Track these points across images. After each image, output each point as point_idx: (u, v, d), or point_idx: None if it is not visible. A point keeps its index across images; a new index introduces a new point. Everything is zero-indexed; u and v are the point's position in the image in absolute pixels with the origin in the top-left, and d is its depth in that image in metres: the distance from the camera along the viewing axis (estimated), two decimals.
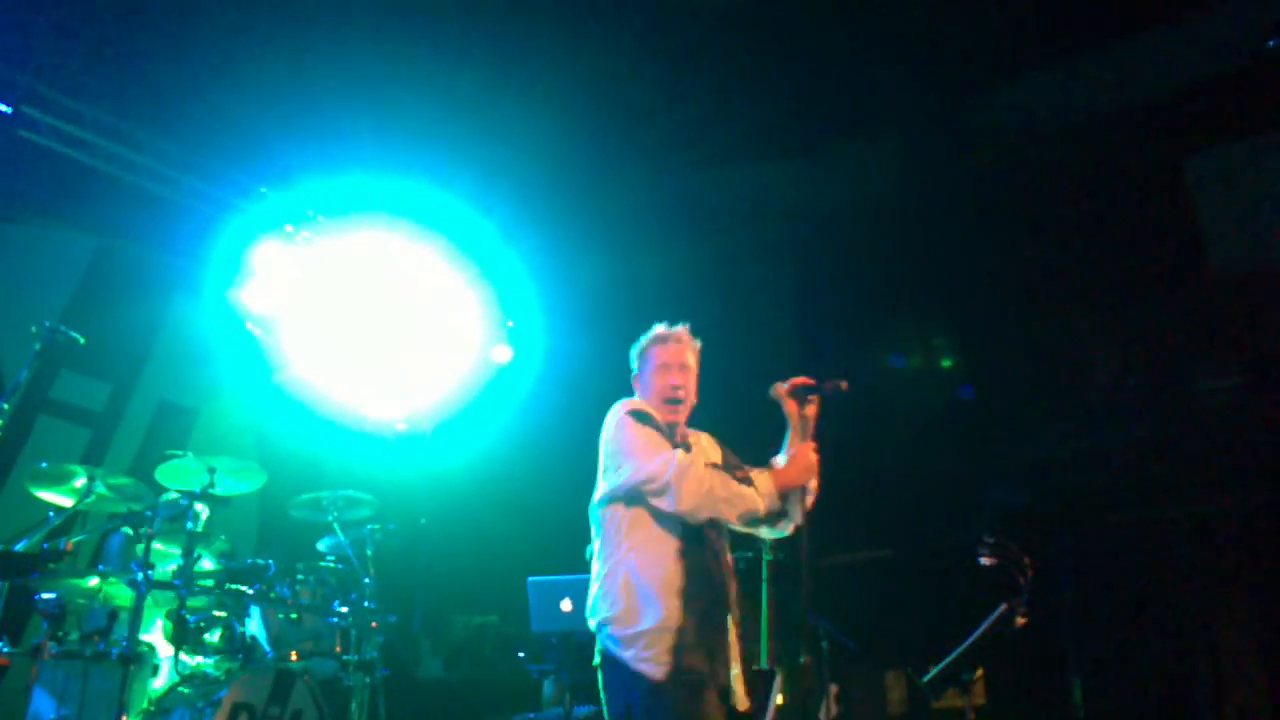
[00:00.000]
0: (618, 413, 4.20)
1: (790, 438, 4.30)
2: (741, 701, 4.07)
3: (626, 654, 3.90)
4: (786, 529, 4.30)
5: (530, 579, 6.02)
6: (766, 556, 6.14)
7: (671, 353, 4.36)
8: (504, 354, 9.07)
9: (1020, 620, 4.79)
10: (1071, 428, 8.39)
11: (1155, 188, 8.12)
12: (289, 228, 8.22)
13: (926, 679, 4.89)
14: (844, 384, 4.23)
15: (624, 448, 4.10)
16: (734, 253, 9.40)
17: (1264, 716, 7.27)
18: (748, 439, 4.47)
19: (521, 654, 6.93)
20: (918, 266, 8.97)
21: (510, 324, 9.13)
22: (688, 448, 4.25)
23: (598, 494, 4.22)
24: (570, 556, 6.47)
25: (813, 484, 4.26)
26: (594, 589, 4.12)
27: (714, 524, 4.12)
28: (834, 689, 6.15)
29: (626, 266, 8.90)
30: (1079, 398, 8.46)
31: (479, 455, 8.81)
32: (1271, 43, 6.97)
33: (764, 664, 5.83)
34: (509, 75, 7.54)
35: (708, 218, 9.22)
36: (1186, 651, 7.59)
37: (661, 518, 4.02)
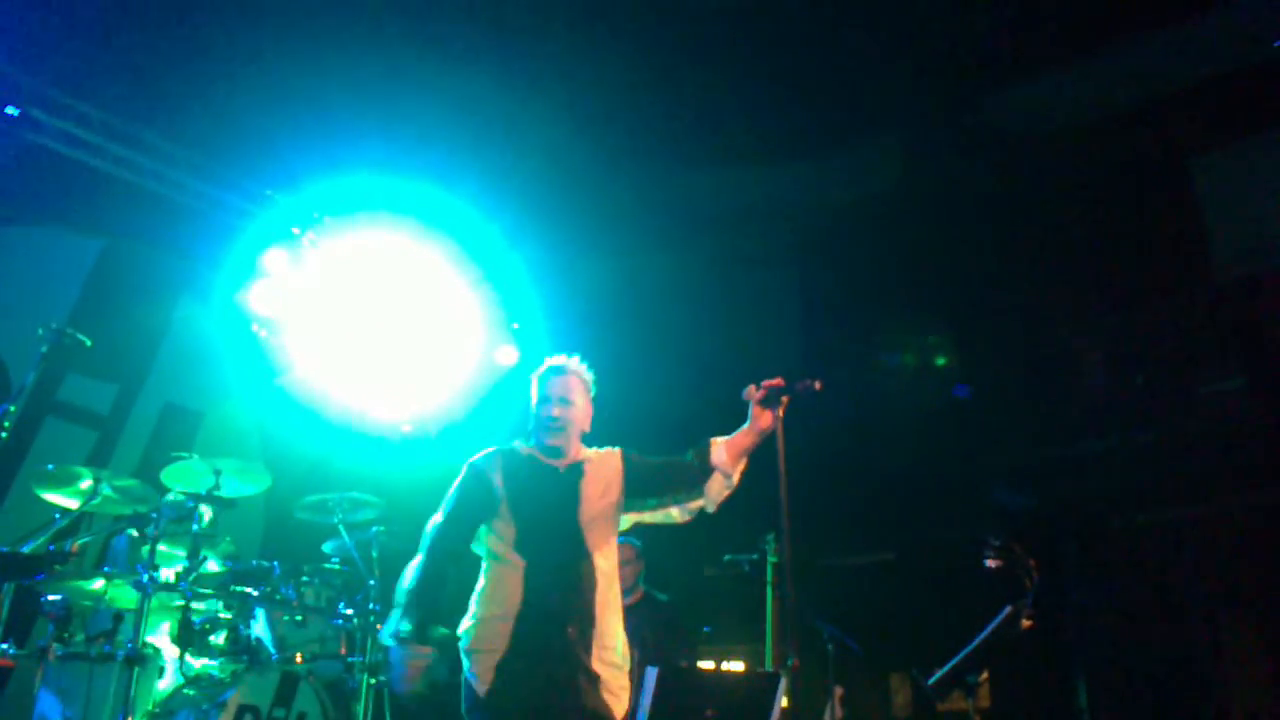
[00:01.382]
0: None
1: (745, 435, 4.39)
2: None
3: (465, 666, 4.18)
4: (696, 513, 4.51)
5: None
6: (772, 559, 6.15)
7: (554, 386, 4.53)
8: (509, 356, 9.07)
9: (1026, 623, 4.79)
10: (1076, 430, 8.39)
11: (1160, 188, 8.12)
12: (295, 230, 8.22)
13: (932, 681, 4.90)
14: (817, 384, 4.26)
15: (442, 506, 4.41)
16: (738, 253, 9.40)
17: (1271, 719, 7.26)
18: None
19: None
20: (922, 267, 8.98)
21: (515, 326, 9.13)
22: (574, 470, 4.42)
23: None
24: None
25: (736, 479, 4.43)
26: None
27: (565, 543, 4.29)
28: (839, 691, 6.14)
29: (631, 268, 8.90)
30: (1084, 400, 8.45)
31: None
32: (1278, 42, 6.97)
33: (768, 666, 5.84)
34: (514, 78, 7.54)
35: (711, 219, 9.22)
36: (1192, 654, 7.58)
37: (496, 544, 4.32)
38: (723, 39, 7.46)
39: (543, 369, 4.61)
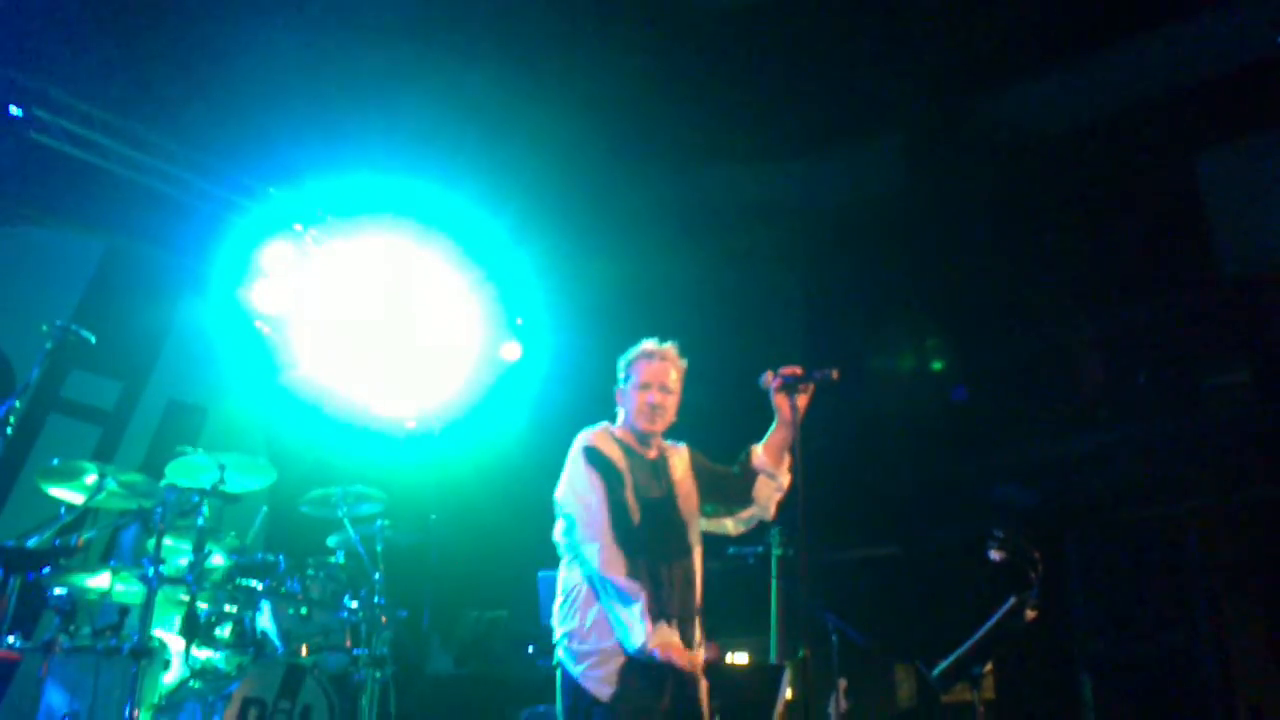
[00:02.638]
0: (577, 445, 4.30)
1: (776, 429, 4.38)
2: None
3: (576, 669, 4.01)
4: (752, 523, 4.47)
5: (540, 573, 6.03)
6: (776, 552, 6.14)
7: (655, 371, 4.40)
8: (513, 351, 9.09)
9: (1030, 614, 4.79)
10: (1080, 425, 8.39)
11: (1165, 186, 8.11)
12: (298, 227, 8.24)
13: (936, 673, 4.89)
14: (835, 373, 4.24)
15: (574, 490, 4.21)
16: (741, 252, 9.40)
17: (1276, 715, 7.25)
18: (756, 437, 4.49)
19: (531, 648, 6.94)
20: (926, 266, 8.98)
21: (519, 321, 9.15)
22: (663, 461, 4.36)
23: (558, 507, 4.32)
24: None
25: (785, 479, 4.37)
26: (557, 602, 4.23)
27: (677, 538, 4.23)
28: (843, 683, 6.13)
29: (634, 265, 8.91)
30: (1088, 395, 8.45)
31: (488, 452, 8.82)
32: None
33: (773, 659, 5.84)
34: (518, 75, 7.55)
35: (715, 217, 9.22)
36: (1196, 649, 7.57)
37: (618, 540, 4.09)
38: (729, 39, 7.47)
39: (640, 353, 4.47)
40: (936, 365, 9.25)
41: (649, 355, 4.44)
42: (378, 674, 6.39)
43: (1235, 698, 7.42)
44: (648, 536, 4.12)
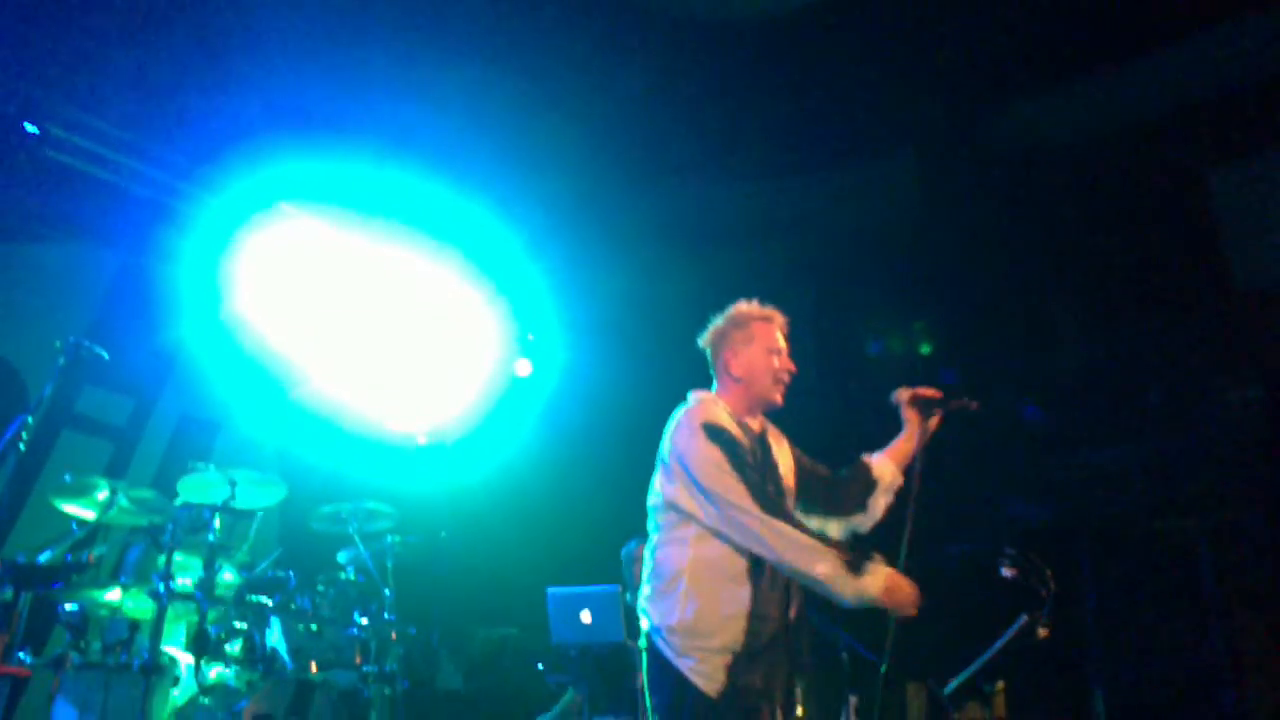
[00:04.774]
0: (692, 422, 3.89)
1: (901, 446, 4.25)
2: None
3: (681, 662, 3.72)
4: (852, 531, 4.24)
5: (550, 590, 6.02)
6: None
7: (780, 335, 4.10)
8: (525, 367, 9.10)
9: (1042, 632, 4.77)
10: (1093, 439, 8.36)
11: (1177, 201, 8.08)
12: (312, 243, 8.26)
13: (948, 691, 4.88)
14: (974, 404, 4.16)
15: (711, 485, 3.77)
16: (754, 268, 9.40)
17: None
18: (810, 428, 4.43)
19: (541, 666, 6.93)
20: (938, 282, 8.96)
21: (531, 337, 9.15)
22: (765, 436, 4.05)
23: (660, 496, 3.94)
24: (590, 568, 6.49)
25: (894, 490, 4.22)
26: (649, 587, 3.91)
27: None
28: (854, 701, 6.12)
29: (646, 280, 8.92)
30: (1100, 410, 8.42)
31: (499, 468, 8.82)
32: None
33: None
34: (533, 92, 7.57)
35: (728, 233, 9.22)
36: (1212, 664, 7.52)
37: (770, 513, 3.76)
38: (741, 56, 7.48)
39: (754, 314, 4.13)
40: (946, 379, 9.22)
41: (767, 318, 4.13)
42: (387, 691, 6.39)
43: (1251, 715, 7.37)
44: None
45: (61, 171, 7.27)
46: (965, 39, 7.35)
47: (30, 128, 7.01)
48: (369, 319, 8.34)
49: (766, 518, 3.67)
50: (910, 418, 4.22)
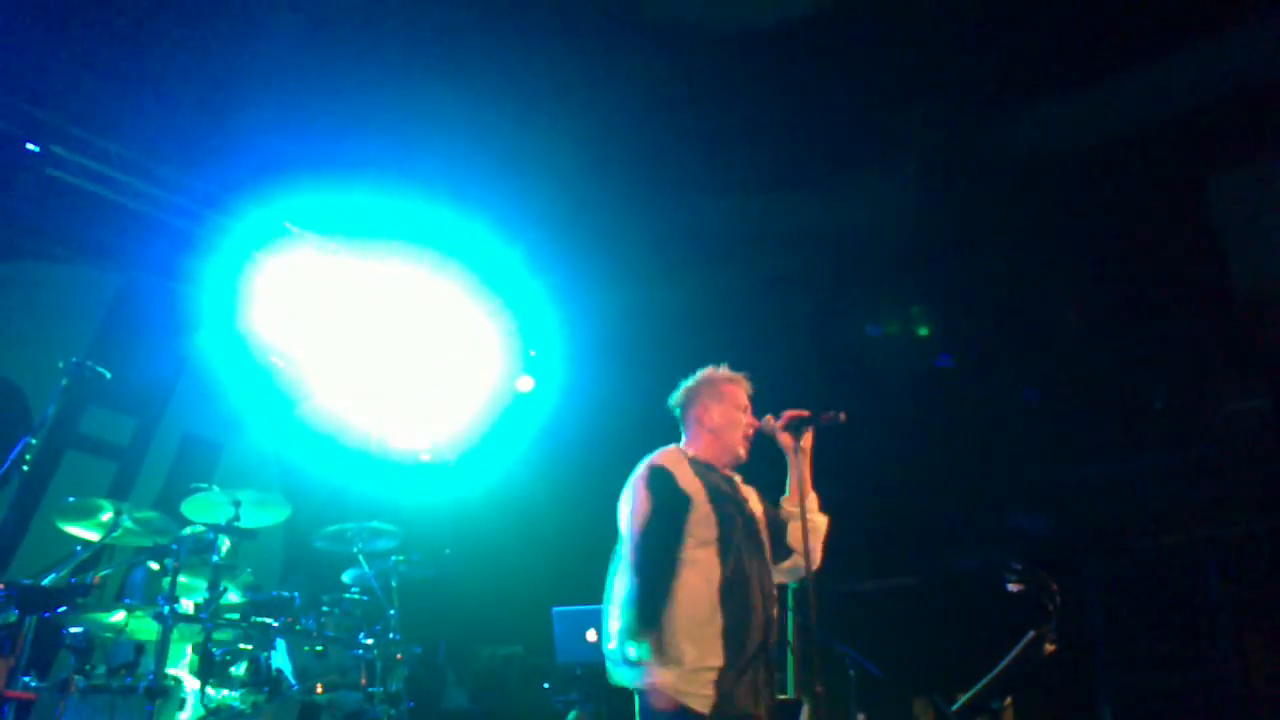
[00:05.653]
0: (644, 468, 4.21)
1: (790, 473, 4.37)
2: None
3: (671, 689, 3.90)
4: (796, 574, 4.41)
5: (555, 609, 6.01)
6: (791, 585, 6.12)
7: (745, 394, 4.41)
8: (526, 383, 9.09)
9: (1049, 647, 4.77)
10: (1098, 451, 8.34)
11: (1180, 209, 8.08)
12: (312, 261, 8.27)
13: (955, 707, 4.86)
14: (842, 415, 4.26)
15: (634, 519, 4.12)
16: (754, 282, 9.40)
17: None
18: (771, 463, 4.47)
19: (547, 685, 6.91)
20: (938, 292, 8.96)
21: (533, 353, 9.15)
22: (737, 489, 4.30)
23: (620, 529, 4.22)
24: (595, 586, 6.46)
25: (819, 519, 4.34)
26: (626, 618, 4.07)
27: (758, 558, 4.18)
28: (861, 718, 6.10)
29: (647, 295, 8.92)
30: (1105, 422, 8.41)
31: (502, 484, 8.82)
32: None
33: (790, 693, 5.80)
34: (533, 108, 7.58)
35: (728, 247, 9.22)
36: (1218, 677, 7.50)
37: (699, 559, 4.05)
38: (741, 68, 7.49)
39: (724, 376, 4.46)
40: (950, 389, 9.21)
41: (734, 379, 4.44)
42: (393, 711, 6.36)
43: None
44: (728, 549, 4.07)
45: (63, 190, 7.29)
46: (965, 47, 7.36)
47: (31, 146, 7.02)
48: (372, 336, 8.34)
49: (643, 564, 3.98)
50: (785, 442, 4.35)
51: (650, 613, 3.94)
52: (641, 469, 4.22)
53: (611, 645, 4.05)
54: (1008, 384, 8.84)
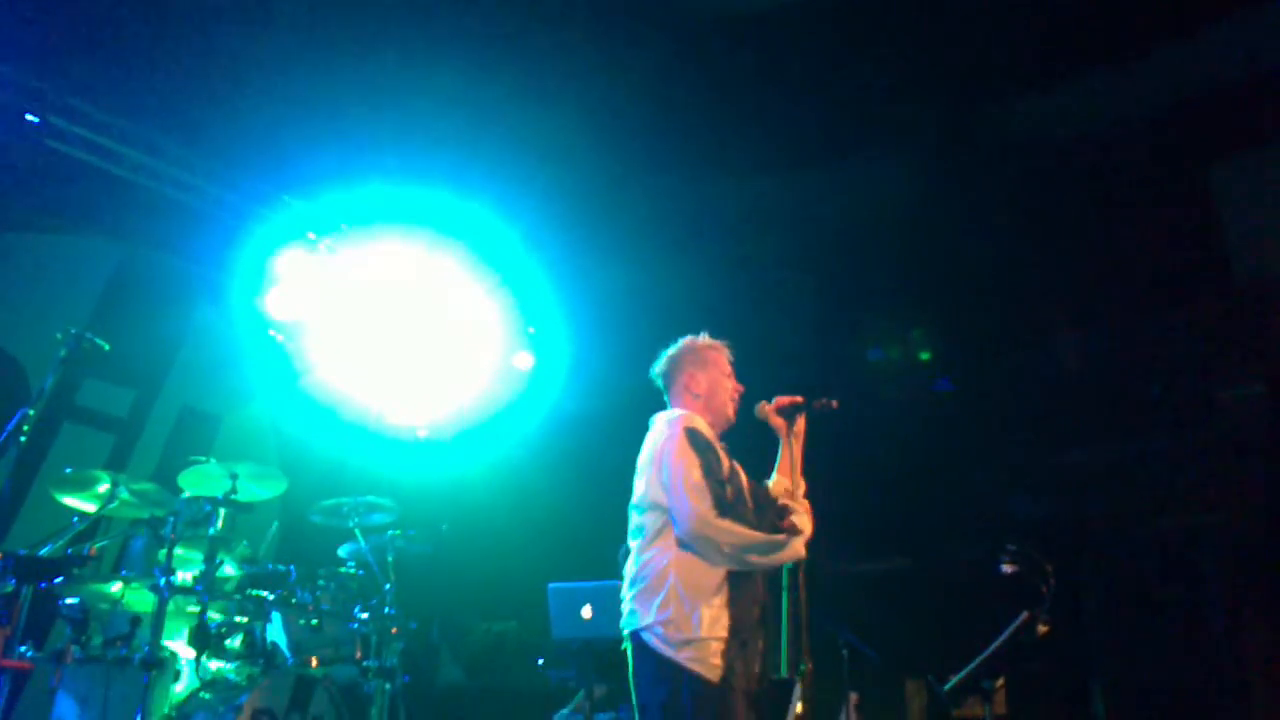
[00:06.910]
0: (674, 429, 4.20)
1: (782, 455, 4.43)
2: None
3: (679, 655, 3.96)
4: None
5: (551, 585, 6.01)
6: (786, 565, 6.13)
7: (728, 360, 4.49)
8: (526, 360, 9.09)
9: (1042, 629, 4.77)
10: (1094, 435, 8.35)
11: (1179, 197, 8.07)
12: (312, 235, 8.26)
13: (948, 688, 4.88)
14: (834, 402, 4.32)
15: (677, 482, 4.07)
16: (755, 262, 9.39)
17: None
18: (768, 444, 4.48)
19: (541, 661, 6.93)
20: (939, 278, 8.95)
21: (532, 330, 9.15)
22: (735, 472, 4.30)
23: (645, 497, 4.19)
24: (591, 563, 6.47)
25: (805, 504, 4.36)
26: (637, 587, 4.13)
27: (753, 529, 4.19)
28: (854, 698, 6.12)
29: (647, 274, 8.91)
30: (1102, 407, 8.41)
31: (500, 461, 8.83)
32: None
33: (783, 673, 5.81)
34: (533, 85, 7.56)
35: (729, 227, 9.21)
36: (1211, 661, 7.52)
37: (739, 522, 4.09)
38: (742, 50, 7.47)
39: (708, 344, 4.51)
40: (947, 373, 9.22)
41: (715, 346, 4.51)
42: (388, 686, 6.39)
43: (1252, 710, 7.37)
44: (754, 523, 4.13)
45: (63, 162, 7.27)
46: (966, 34, 7.34)
47: (31, 117, 7.00)
48: (372, 312, 8.33)
49: (720, 522, 4.00)
50: (778, 426, 4.42)
51: (768, 544, 4.04)
52: (672, 429, 4.20)
53: (644, 616, 4.05)
54: (1006, 370, 8.84)
